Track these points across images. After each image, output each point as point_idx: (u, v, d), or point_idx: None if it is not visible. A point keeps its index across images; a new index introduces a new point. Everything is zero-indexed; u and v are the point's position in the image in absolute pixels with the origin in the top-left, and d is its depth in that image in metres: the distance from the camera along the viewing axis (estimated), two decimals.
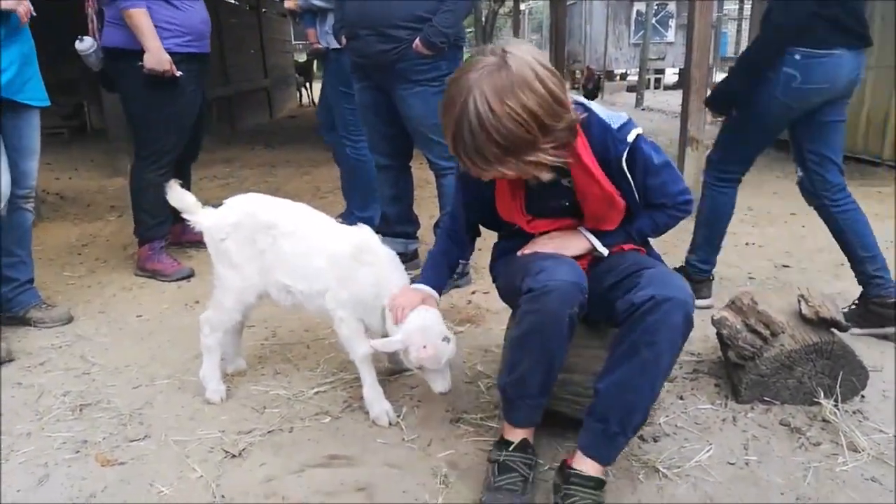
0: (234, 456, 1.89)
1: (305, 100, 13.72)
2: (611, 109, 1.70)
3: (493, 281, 2.02)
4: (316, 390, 2.25)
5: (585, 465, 1.59)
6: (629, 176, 1.66)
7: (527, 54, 1.47)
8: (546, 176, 1.56)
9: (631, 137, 1.63)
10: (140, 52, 3.05)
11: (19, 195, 2.72)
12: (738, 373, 2.13)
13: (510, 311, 2.04)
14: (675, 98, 4.15)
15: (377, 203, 3.64)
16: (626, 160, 1.64)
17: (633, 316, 1.53)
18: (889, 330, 2.50)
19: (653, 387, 1.56)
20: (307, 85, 13.64)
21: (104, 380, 2.36)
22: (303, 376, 2.36)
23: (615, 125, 1.64)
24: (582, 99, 1.70)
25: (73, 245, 4.06)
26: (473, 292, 3.05)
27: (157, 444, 1.96)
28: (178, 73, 3.13)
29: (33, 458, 1.92)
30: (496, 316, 2.75)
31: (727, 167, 2.68)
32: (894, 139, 5.53)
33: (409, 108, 2.98)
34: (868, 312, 2.55)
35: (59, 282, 3.39)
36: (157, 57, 3.05)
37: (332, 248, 2.00)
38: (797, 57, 2.33)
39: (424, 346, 1.78)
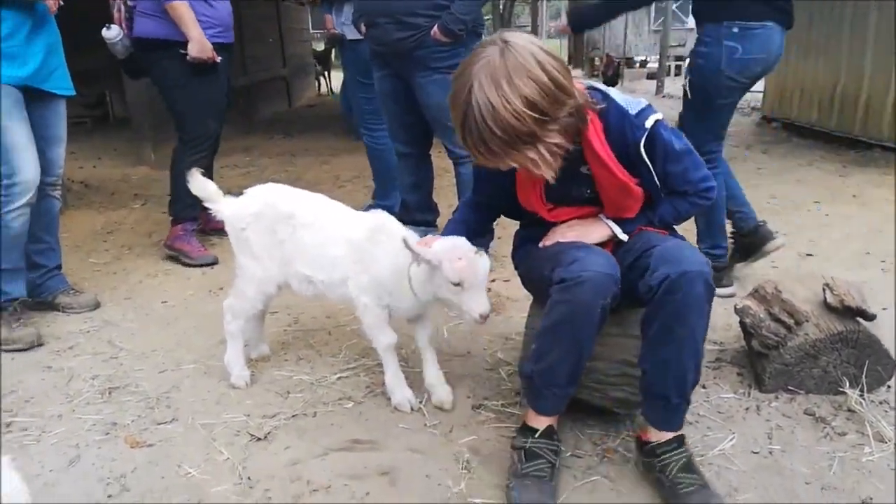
0: (259, 439, 1.93)
1: (324, 89, 13.73)
2: (630, 95, 1.69)
3: (516, 268, 2.02)
4: (338, 376, 2.28)
5: (661, 436, 1.66)
6: (649, 162, 1.65)
7: (527, 41, 1.48)
8: (549, 175, 1.55)
9: (649, 123, 1.62)
10: (178, 43, 3.16)
11: (47, 182, 2.77)
12: (761, 362, 2.12)
13: (531, 299, 2.05)
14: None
15: (397, 191, 3.65)
16: (645, 146, 1.63)
17: (656, 298, 1.55)
18: (768, 249, 2.88)
19: (696, 353, 1.60)
20: (325, 74, 13.64)
21: (132, 364, 2.41)
22: (325, 362, 2.38)
23: (633, 111, 1.63)
24: (600, 85, 1.69)
25: (99, 232, 4.12)
26: (493, 280, 3.05)
27: (185, 427, 2.00)
28: (219, 59, 3.26)
29: (65, 440, 1.96)
30: (517, 304, 2.76)
31: (702, 149, 2.71)
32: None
33: (428, 96, 2.99)
34: (742, 245, 2.92)
35: (85, 268, 3.45)
36: (200, 45, 3.18)
37: (348, 235, 2.00)
38: (735, 30, 2.51)
39: (459, 258, 1.74)
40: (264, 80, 9.91)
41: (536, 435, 1.69)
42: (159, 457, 1.87)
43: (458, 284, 1.74)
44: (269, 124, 8.94)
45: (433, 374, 2.09)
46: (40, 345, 2.57)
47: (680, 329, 1.55)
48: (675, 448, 1.63)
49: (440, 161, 3.66)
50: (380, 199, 3.85)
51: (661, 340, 1.58)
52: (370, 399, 2.14)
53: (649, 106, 1.66)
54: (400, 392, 2.06)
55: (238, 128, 7.64)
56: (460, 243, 1.79)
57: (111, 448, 1.92)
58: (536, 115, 1.43)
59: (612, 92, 1.67)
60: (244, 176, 5.64)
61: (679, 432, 1.67)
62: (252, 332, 2.35)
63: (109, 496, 1.71)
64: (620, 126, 1.63)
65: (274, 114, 10.07)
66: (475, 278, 1.75)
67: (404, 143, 3.32)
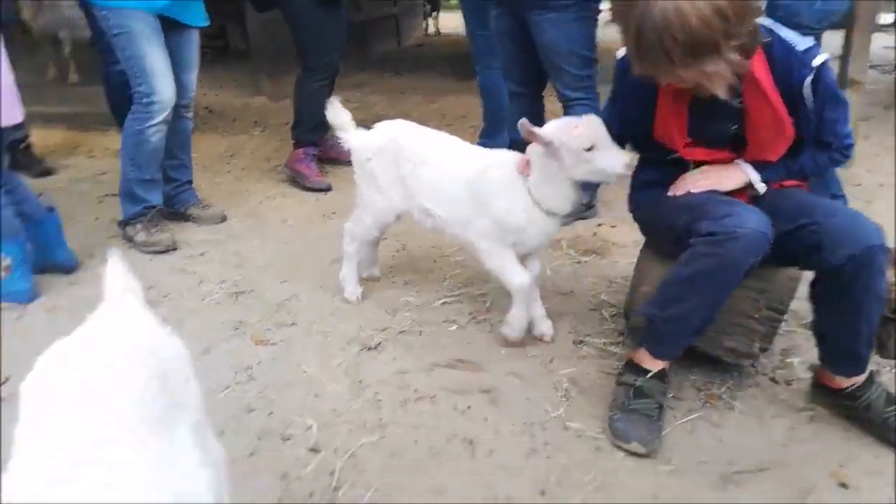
0: (369, 349, 2.06)
1: (431, 29, 13.63)
2: (795, 33, 1.60)
3: (633, 212, 1.97)
4: (443, 301, 2.37)
5: (854, 380, 1.68)
6: (810, 103, 1.57)
7: None
8: (722, 91, 1.50)
9: (816, 62, 1.55)
10: None
11: (181, 105, 2.98)
12: (887, 326, 1.98)
13: (640, 244, 2.02)
14: (834, 38, 3.82)
15: (505, 132, 3.64)
16: (811, 85, 1.56)
17: (840, 278, 1.55)
18: None
19: (880, 305, 1.62)
20: (434, 14, 13.52)
21: (255, 273, 2.61)
22: (430, 288, 2.48)
23: (800, 48, 1.56)
24: (764, 19, 1.61)
25: (222, 155, 4.39)
26: (599, 225, 3.01)
27: (303, 332, 2.17)
28: None
29: (198, 333, 2.18)
30: (623, 249, 2.72)
31: None
32: None
33: (542, 34, 2.93)
34: None
35: (211, 187, 3.70)
36: None
37: (466, 173, 2.00)
38: None
39: (575, 126, 1.73)
40: (376, 18, 9.97)
41: (648, 375, 1.70)
42: (281, 355, 2.04)
43: (590, 149, 1.72)
44: (380, 62, 9.04)
45: (536, 308, 2.12)
46: (175, 249, 2.83)
47: (865, 297, 1.56)
48: (871, 387, 1.67)
49: (549, 104, 3.60)
50: (487, 139, 3.85)
51: (850, 311, 1.60)
52: (473, 325, 2.22)
53: (816, 45, 1.57)
54: (521, 331, 2.03)
55: (351, 63, 7.77)
56: (565, 118, 1.79)
57: (239, 343, 2.11)
58: (723, 26, 1.39)
59: (777, 26, 1.59)
60: (355, 110, 5.66)
61: (868, 370, 1.69)
62: (366, 255, 2.46)
63: (237, 383, 1.90)
64: (786, 61, 1.56)
65: (384, 52, 10.15)
66: (602, 135, 1.73)
67: (517, 83, 3.29)
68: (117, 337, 1.00)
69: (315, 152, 3.69)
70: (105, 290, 1.13)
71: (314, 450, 1.64)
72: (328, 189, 3.57)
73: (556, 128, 1.77)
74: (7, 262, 2.38)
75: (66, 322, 2.26)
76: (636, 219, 1.97)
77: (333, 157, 3.79)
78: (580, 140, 1.72)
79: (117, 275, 1.15)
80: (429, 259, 2.74)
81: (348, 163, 3.77)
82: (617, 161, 1.74)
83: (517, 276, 1.97)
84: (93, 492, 0.72)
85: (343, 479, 1.55)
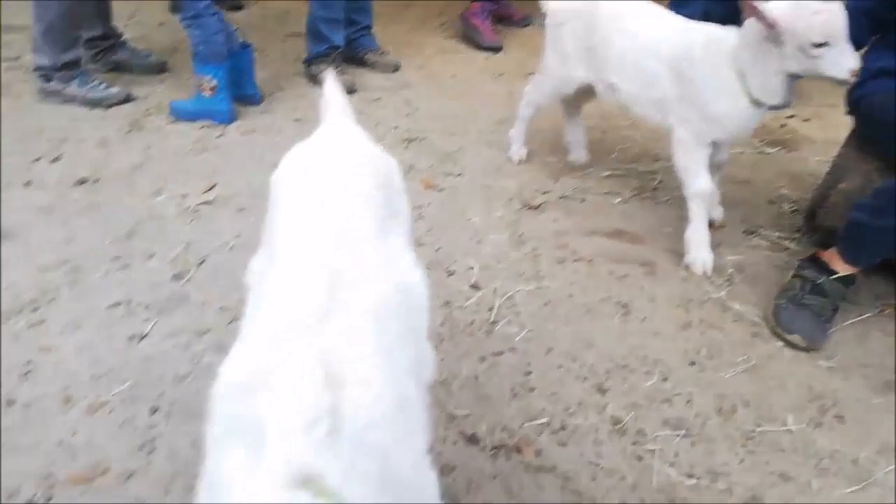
0: (531, 208, 2.12)
1: None
2: None
3: (854, 101, 1.76)
4: (608, 173, 2.34)
5: None
6: None
7: None
8: None
9: None
10: None
11: None
12: None
13: (834, 142, 1.86)
14: None
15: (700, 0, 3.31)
16: None
17: None
18: None
19: None
20: None
21: (426, 123, 2.69)
22: (597, 158, 2.43)
23: None
24: None
25: (396, 5, 4.40)
26: (790, 116, 2.75)
27: (468, 183, 2.26)
28: None
29: None
30: (813, 146, 2.49)
31: None
32: None
33: None
34: None
35: (385, 35, 3.74)
36: None
37: (669, 48, 1.79)
38: None
39: (815, 13, 1.47)
40: None
41: (833, 277, 1.62)
42: (447, 200, 2.16)
43: (821, 45, 1.48)
44: None
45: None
46: (353, 92, 2.96)
47: None
48: None
49: None
50: (676, 7, 3.52)
51: None
52: (637, 200, 2.19)
53: None
54: (697, 250, 1.84)
55: None
56: (802, 0, 1.50)
57: (409, 186, 2.18)
58: None
59: None
60: None
61: None
62: (572, 136, 2.37)
63: None
64: None
65: None
66: (840, 31, 1.48)
67: None
68: (346, 147, 1.10)
69: (492, 8, 3.59)
70: (324, 109, 1.23)
71: (475, 287, 1.77)
72: (499, 49, 3.51)
73: (790, 10, 1.50)
74: (213, 83, 2.63)
75: (261, 144, 2.53)
76: (856, 109, 1.77)
77: (508, 15, 3.69)
78: (813, 32, 1.47)
79: (336, 95, 1.25)
80: (598, 130, 2.67)
81: (520, 24, 3.72)
82: (845, 65, 1.48)
83: (700, 181, 1.81)
84: (336, 282, 0.76)
85: (500, 316, 1.67)
